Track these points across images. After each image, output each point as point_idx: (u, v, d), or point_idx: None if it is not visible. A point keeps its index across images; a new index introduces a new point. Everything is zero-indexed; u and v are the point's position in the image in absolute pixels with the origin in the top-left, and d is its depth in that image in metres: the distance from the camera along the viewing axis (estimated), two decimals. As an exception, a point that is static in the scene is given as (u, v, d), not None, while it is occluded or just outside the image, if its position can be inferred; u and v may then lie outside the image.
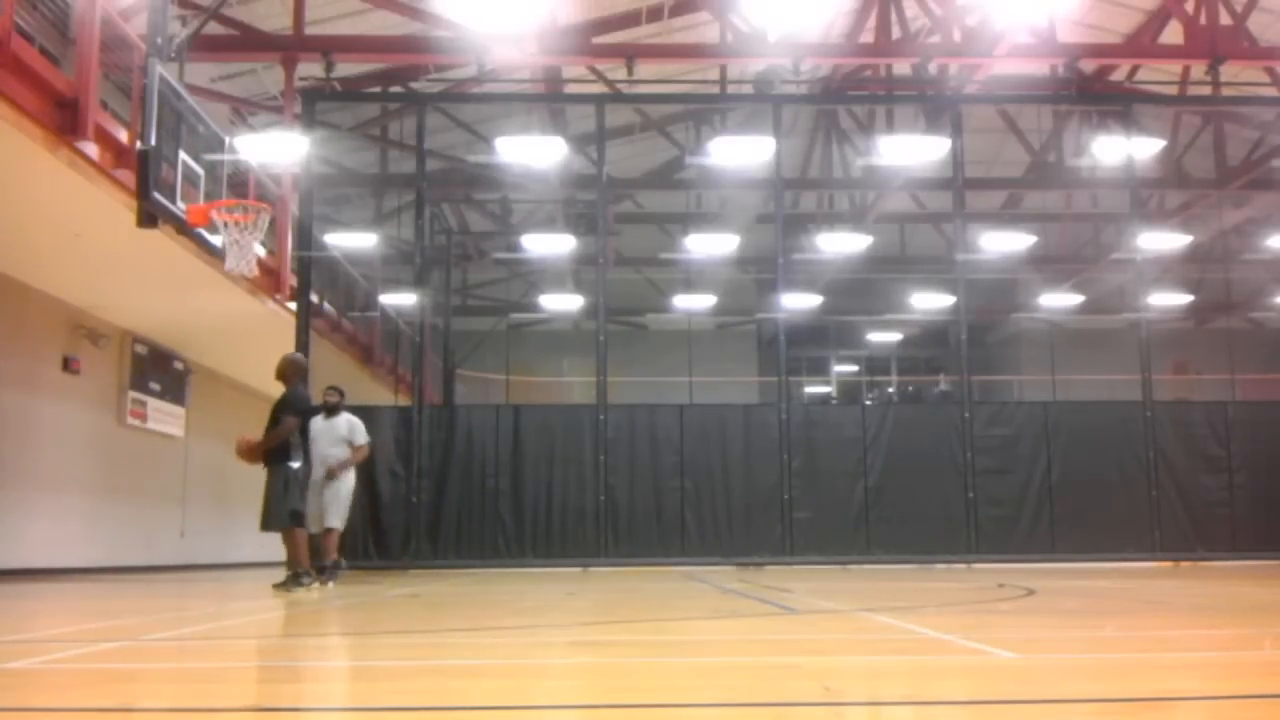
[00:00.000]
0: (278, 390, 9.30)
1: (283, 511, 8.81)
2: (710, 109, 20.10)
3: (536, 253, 22.88)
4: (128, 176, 10.65)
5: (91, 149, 10.69)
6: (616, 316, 23.29)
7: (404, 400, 16.88)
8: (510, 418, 14.30)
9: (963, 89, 17.50)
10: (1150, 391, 14.78)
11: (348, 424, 10.23)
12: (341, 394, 10.50)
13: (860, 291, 25.47)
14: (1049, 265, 24.13)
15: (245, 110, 19.23)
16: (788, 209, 17.99)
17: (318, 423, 9.82)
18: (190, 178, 10.06)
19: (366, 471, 13.72)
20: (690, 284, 24.29)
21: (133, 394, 17.38)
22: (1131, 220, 16.05)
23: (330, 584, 9.42)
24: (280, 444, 8.82)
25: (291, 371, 9.20)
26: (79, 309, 15.77)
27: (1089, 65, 18.25)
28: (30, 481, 14.71)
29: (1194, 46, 15.59)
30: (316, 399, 9.99)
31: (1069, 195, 21.79)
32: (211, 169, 10.59)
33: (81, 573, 14.68)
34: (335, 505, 9.92)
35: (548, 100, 17.83)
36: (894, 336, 29.32)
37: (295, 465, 8.88)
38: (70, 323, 15.75)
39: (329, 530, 9.88)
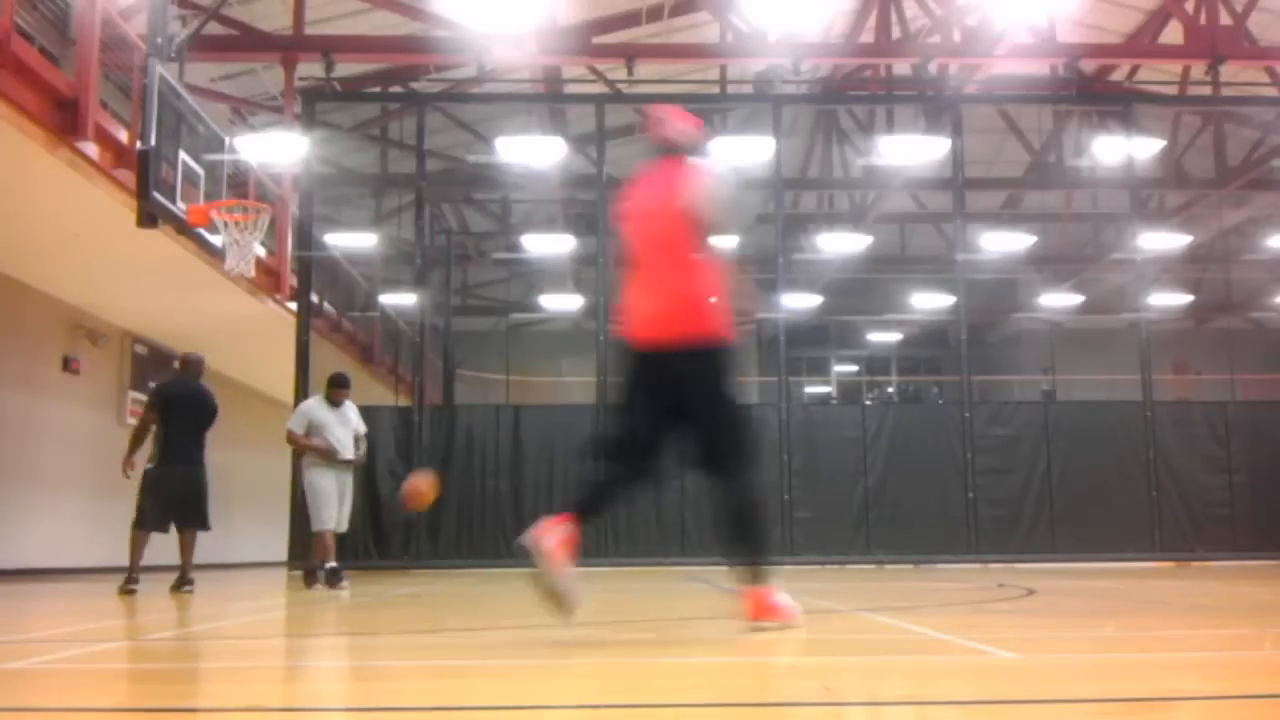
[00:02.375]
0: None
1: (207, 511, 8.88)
2: (710, 109, 20.08)
3: (536, 253, 22.88)
4: (128, 176, 10.65)
5: (91, 149, 10.70)
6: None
7: (404, 400, 16.89)
8: (510, 418, 14.31)
9: (963, 89, 17.50)
10: (1150, 391, 14.78)
11: (356, 414, 9.83)
12: (348, 383, 9.89)
13: (860, 291, 25.47)
14: (1049, 265, 24.13)
15: (245, 110, 19.24)
16: (788, 209, 17.99)
17: (324, 414, 9.55)
18: (190, 178, 10.07)
19: (366, 472, 13.74)
20: (690, 284, 24.24)
21: (133, 394, 17.38)
22: (1131, 220, 16.06)
23: (343, 586, 9.17)
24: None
25: (201, 370, 9.36)
26: (79, 309, 15.77)
27: (1089, 65, 18.26)
28: (30, 481, 14.71)
29: (1194, 46, 15.60)
30: (317, 389, 9.87)
31: (1069, 195, 21.79)
32: (211, 169, 10.60)
33: (81, 573, 14.68)
34: (349, 507, 9.63)
35: (548, 100, 17.83)
36: (894, 336, 29.34)
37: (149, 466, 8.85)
38: (70, 323, 15.76)
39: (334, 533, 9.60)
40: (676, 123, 4.66)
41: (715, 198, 4.47)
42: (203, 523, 8.95)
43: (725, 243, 4.54)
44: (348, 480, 9.59)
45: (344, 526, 9.62)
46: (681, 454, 4.39)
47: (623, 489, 4.35)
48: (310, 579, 9.35)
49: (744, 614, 4.33)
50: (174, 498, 8.77)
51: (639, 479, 4.37)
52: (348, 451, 9.52)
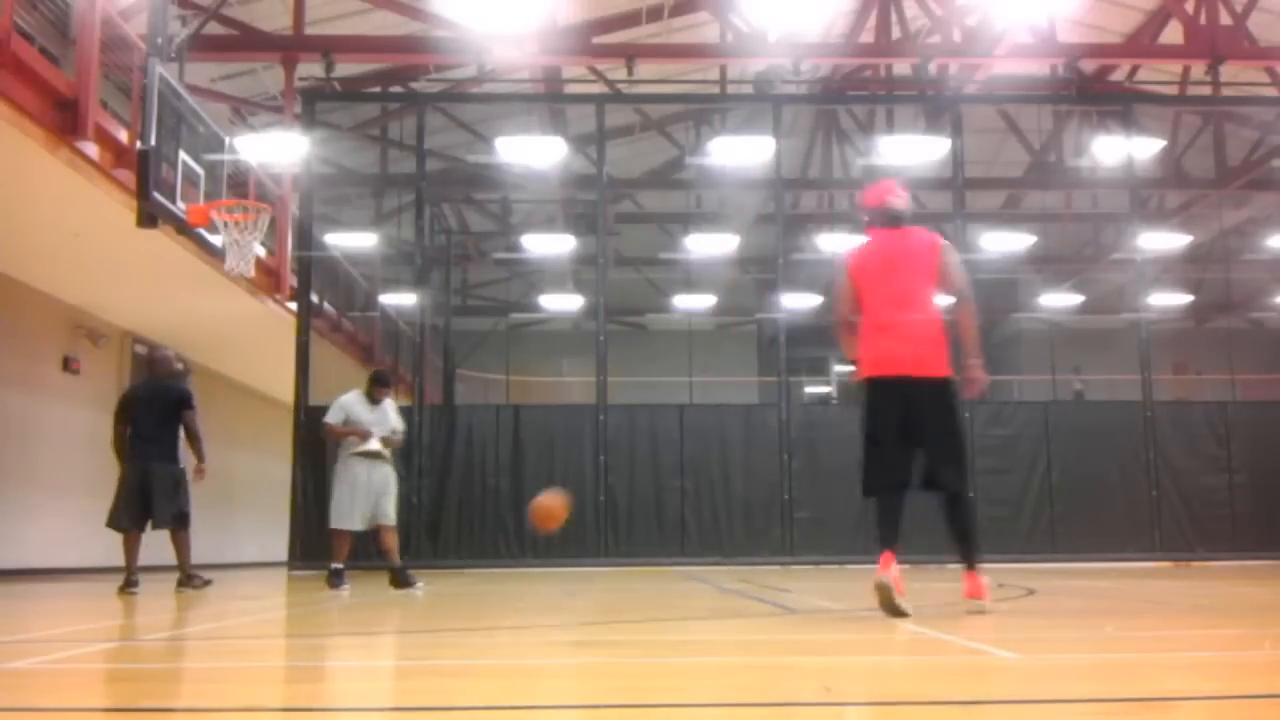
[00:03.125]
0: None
1: (169, 511, 8.89)
2: (710, 109, 20.09)
3: (536, 253, 22.88)
4: (128, 176, 10.65)
5: (91, 149, 10.69)
6: (616, 316, 23.28)
7: (404, 400, 16.87)
8: (510, 418, 14.30)
9: (963, 89, 17.50)
10: (1150, 391, 14.78)
11: (396, 414, 9.55)
12: (389, 382, 9.67)
13: (860, 291, 25.39)
14: (1049, 265, 24.13)
15: (245, 110, 19.24)
16: (788, 209, 17.97)
17: (364, 411, 9.26)
18: (190, 178, 10.07)
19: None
20: (690, 284, 24.29)
21: (133, 394, 17.37)
22: (1131, 220, 16.05)
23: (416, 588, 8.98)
24: (176, 442, 8.98)
25: (167, 366, 9.48)
26: (79, 309, 15.77)
27: (1089, 65, 18.25)
28: (30, 481, 14.71)
29: (1194, 46, 15.60)
30: (361, 385, 9.68)
31: (1069, 195, 21.79)
32: (211, 169, 10.59)
33: (81, 573, 14.68)
34: (392, 499, 9.28)
35: (548, 100, 17.83)
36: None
37: (181, 466, 8.94)
38: (70, 323, 15.75)
39: (389, 529, 9.27)
40: (901, 194, 5.74)
41: (958, 263, 5.62)
42: (165, 520, 8.91)
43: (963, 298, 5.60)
44: (388, 474, 9.27)
45: (392, 520, 9.31)
46: (921, 468, 5.42)
47: (901, 507, 5.37)
48: (336, 579, 9.01)
49: (964, 593, 5.44)
50: (134, 495, 8.80)
51: (904, 493, 5.39)
52: (375, 444, 9.17)
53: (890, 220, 5.71)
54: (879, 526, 5.38)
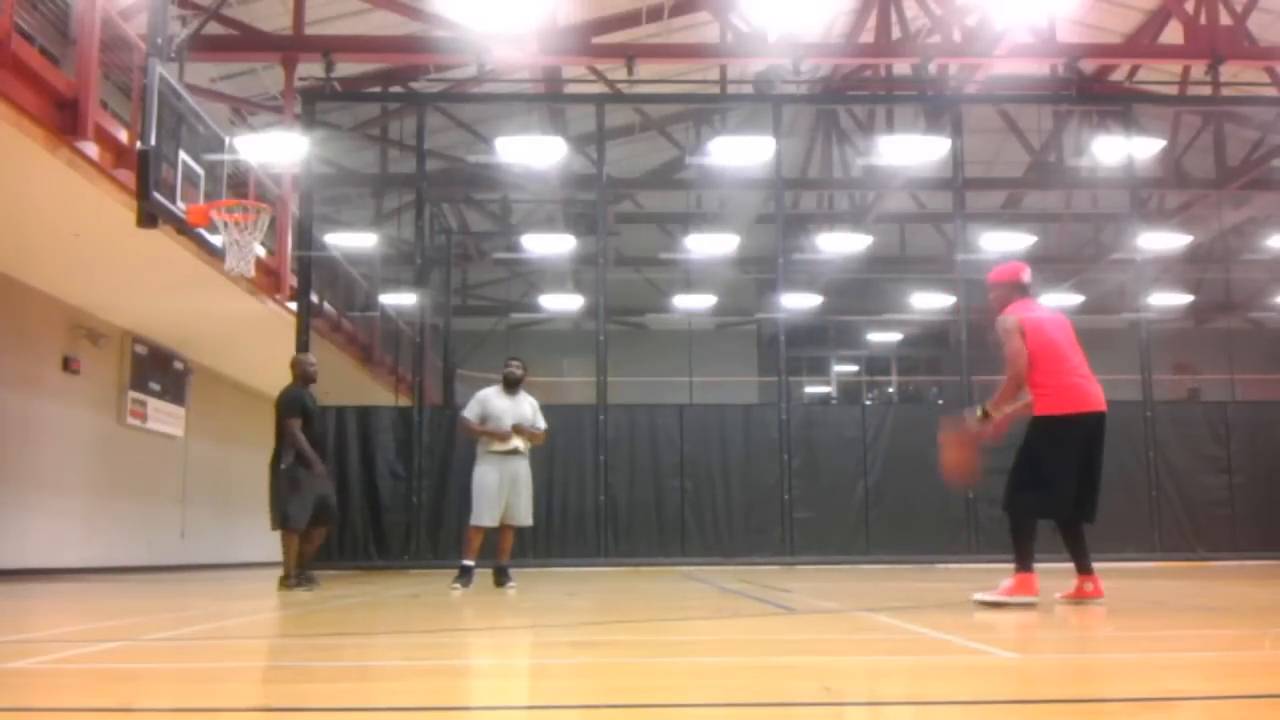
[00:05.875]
0: (279, 390, 9.41)
1: (279, 511, 8.93)
2: (710, 109, 20.09)
3: (536, 253, 22.88)
4: (128, 176, 10.65)
5: (91, 149, 10.69)
6: (616, 316, 23.28)
7: (404, 400, 16.88)
8: (510, 418, 14.27)
9: (963, 89, 17.50)
10: (1150, 391, 14.77)
11: (532, 406, 9.32)
12: (524, 367, 9.42)
13: (860, 291, 25.47)
14: (1049, 265, 24.12)
15: (245, 110, 19.24)
16: (788, 209, 17.95)
17: (500, 401, 9.11)
18: (190, 178, 10.07)
19: (367, 472, 13.74)
20: (690, 284, 24.31)
21: (133, 394, 17.39)
22: (1131, 220, 16.04)
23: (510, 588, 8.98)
24: (280, 446, 9.05)
25: (297, 372, 9.48)
26: (79, 309, 15.77)
27: (1089, 65, 18.25)
28: (30, 481, 14.71)
29: (1194, 46, 15.60)
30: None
31: (1069, 195, 21.79)
32: (211, 169, 10.59)
33: (81, 573, 14.68)
34: (526, 500, 9.19)
35: (548, 100, 17.83)
36: (894, 336, 29.33)
37: (282, 466, 8.96)
38: (70, 323, 15.76)
39: (511, 528, 9.22)
40: (1029, 272, 6.68)
41: None
42: (272, 522, 9.08)
43: None
44: (519, 472, 9.13)
45: (527, 520, 9.26)
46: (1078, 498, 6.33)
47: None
48: (463, 578, 8.99)
49: (1092, 592, 6.41)
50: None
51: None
52: (515, 443, 9.05)
53: (1024, 292, 6.51)
54: (1027, 550, 6.30)
